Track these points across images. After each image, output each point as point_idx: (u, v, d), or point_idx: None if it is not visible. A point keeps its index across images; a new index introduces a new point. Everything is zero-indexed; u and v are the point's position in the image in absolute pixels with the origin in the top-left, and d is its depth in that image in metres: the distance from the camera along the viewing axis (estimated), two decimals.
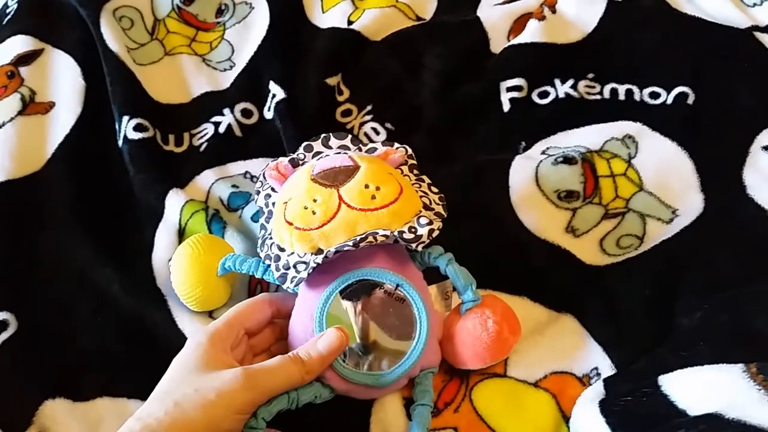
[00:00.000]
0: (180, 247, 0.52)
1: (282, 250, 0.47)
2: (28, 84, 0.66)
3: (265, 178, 0.52)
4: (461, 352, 0.46)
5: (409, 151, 0.54)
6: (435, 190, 0.52)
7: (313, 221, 0.46)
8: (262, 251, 0.49)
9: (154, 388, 0.47)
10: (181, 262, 0.51)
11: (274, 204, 0.50)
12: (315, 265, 0.44)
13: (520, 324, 0.47)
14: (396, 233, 0.45)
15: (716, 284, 0.49)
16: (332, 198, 0.46)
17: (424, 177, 0.53)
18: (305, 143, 0.54)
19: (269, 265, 0.48)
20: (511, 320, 0.47)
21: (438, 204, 0.50)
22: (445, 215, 0.49)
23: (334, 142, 0.54)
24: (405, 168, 0.53)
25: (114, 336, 0.51)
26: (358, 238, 0.44)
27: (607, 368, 0.48)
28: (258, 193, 0.53)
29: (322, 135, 0.54)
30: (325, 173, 0.47)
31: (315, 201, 0.46)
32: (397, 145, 0.54)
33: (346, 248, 0.44)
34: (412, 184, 0.51)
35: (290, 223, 0.47)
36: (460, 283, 0.47)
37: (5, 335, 0.51)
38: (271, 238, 0.48)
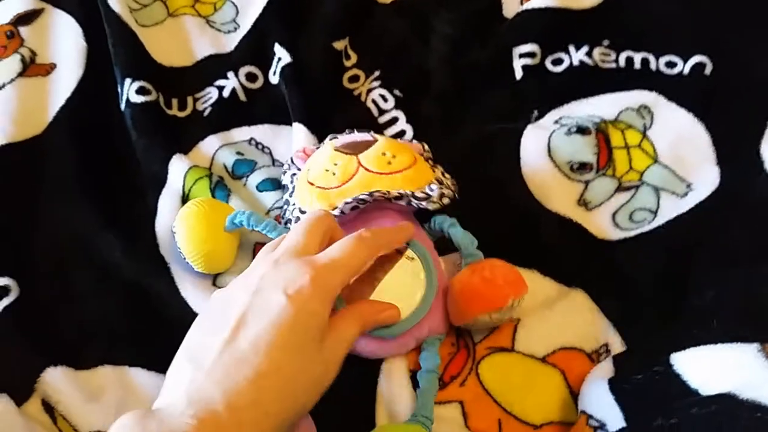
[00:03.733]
0: (184, 207, 0.52)
1: (303, 212, 0.49)
2: (28, 45, 0.64)
3: (293, 161, 0.55)
4: (455, 300, 0.46)
5: (426, 146, 0.55)
6: (448, 176, 0.53)
7: (333, 181, 0.49)
8: (282, 218, 0.51)
9: (155, 356, 0.47)
10: (186, 219, 0.50)
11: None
12: None
13: (525, 283, 0.46)
14: (408, 192, 0.47)
15: (731, 261, 0.48)
16: (351, 162, 0.50)
17: (439, 165, 0.53)
18: (330, 135, 0.55)
19: (287, 227, 0.50)
20: (509, 274, 0.46)
21: (451, 187, 0.51)
22: (457, 198, 0.50)
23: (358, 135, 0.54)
24: (422, 157, 0.53)
25: (116, 303, 0.51)
26: (373, 191, 0.47)
27: (618, 345, 0.47)
28: (285, 173, 0.55)
29: (346, 130, 0.55)
30: (347, 144, 0.51)
31: (335, 165, 0.50)
32: (414, 141, 0.56)
33: (361, 197, 0.47)
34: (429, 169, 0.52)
35: (312, 184, 0.50)
36: (461, 242, 0.48)
37: (6, 301, 0.50)
38: (293, 204, 0.50)
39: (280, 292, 0.35)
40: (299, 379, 0.34)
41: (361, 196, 0.47)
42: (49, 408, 0.46)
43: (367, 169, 0.49)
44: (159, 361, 0.46)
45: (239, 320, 0.34)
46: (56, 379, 0.47)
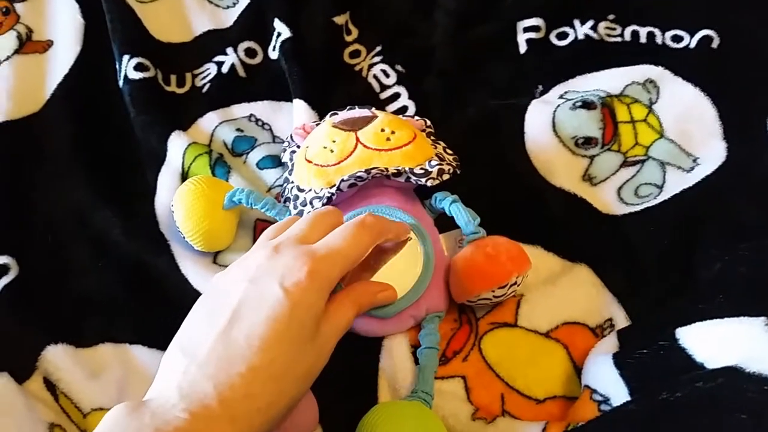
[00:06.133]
0: (182, 185, 0.51)
1: (301, 190, 0.48)
2: (24, 21, 0.64)
3: (292, 139, 0.54)
4: (458, 278, 0.45)
5: (428, 122, 0.54)
6: (450, 151, 0.52)
7: (330, 159, 0.48)
8: (282, 197, 0.51)
9: (156, 333, 0.47)
10: (185, 197, 0.50)
11: None
12: (329, 195, 0.46)
13: (529, 259, 0.45)
14: (407, 169, 0.47)
15: (737, 235, 0.47)
16: (349, 139, 0.49)
17: (441, 141, 0.53)
18: (331, 112, 0.54)
19: (286, 206, 0.49)
20: (512, 250, 0.45)
21: (452, 163, 0.50)
22: (458, 172, 0.49)
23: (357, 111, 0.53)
24: (423, 134, 0.53)
25: (116, 281, 0.50)
26: (370, 168, 0.47)
27: (622, 320, 0.46)
28: (284, 150, 0.54)
29: (347, 107, 0.54)
30: (345, 120, 0.50)
31: (334, 142, 0.49)
32: (417, 117, 0.55)
33: (358, 174, 0.46)
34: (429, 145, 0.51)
35: (310, 162, 0.49)
36: (462, 220, 0.47)
37: (6, 280, 0.50)
38: (292, 183, 0.50)
39: (277, 284, 0.34)
40: (291, 373, 0.34)
41: (359, 174, 0.46)
42: (50, 386, 0.46)
43: (365, 146, 0.48)
44: (160, 338, 0.46)
45: (234, 311, 0.34)
46: (57, 357, 0.46)
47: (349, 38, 0.64)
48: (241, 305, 0.34)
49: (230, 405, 0.31)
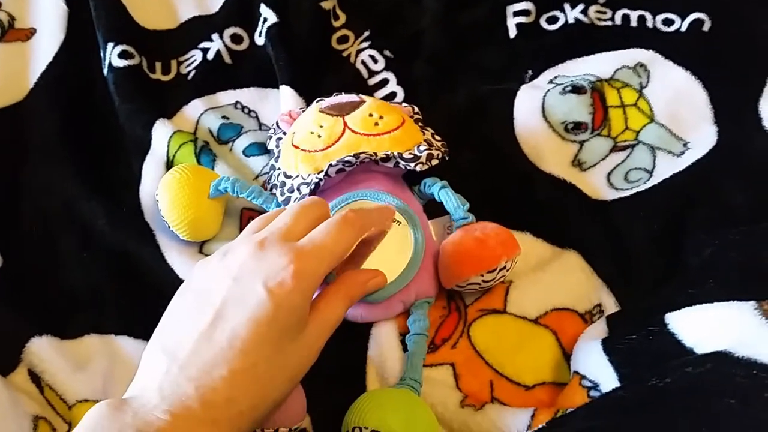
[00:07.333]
0: (167, 174, 0.50)
1: (288, 177, 0.48)
2: (6, 9, 0.63)
3: (278, 125, 0.54)
4: (447, 262, 0.45)
5: (416, 108, 0.54)
6: (438, 137, 0.51)
7: (318, 144, 0.48)
8: (268, 184, 0.50)
9: (142, 324, 0.46)
10: (169, 186, 0.49)
11: None
12: (317, 181, 0.46)
13: (518, 244, 0.45)
14: (396, 154, 0.46)
15: (727, 220, 0.47)
16: (337, 124, 0.48)
17: (429, 128, 0.52)
18: (317, 99, 0.53)
19: (272, 194, 0.49)
20: (501, 234, 0.45)
21: (441, 149, 0.49)
22: (447, 158, 0.49)
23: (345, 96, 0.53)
24: (411, 119, 0.52)
25: (101, 271, 0.50)
26: (359, 152, 0.46)
27: (612, 305, 0.46)
28: (270, 137, 0.54)
29: (334, 93, 0.53)
30: (332, 105, 0.50)
31: (321, 127, 0.48)
32: (404, 104, 0.55)
33: (347, 159, 0.45)
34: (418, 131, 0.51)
35: (297, 147, 0.48)
36: (451, 205, 0.47)
37: None
38: (278, 169, 0.49)
39: (260, 285, 0.33)
40: (274, 375, 0.33)
41: (347, 158, 0.46)
42: (35, 378, 0.45)
43: (353, 131, 0.48)
44: (145, 329, 0.44)
45: (217, 311, 0.33)
46: (42, 349, 0.46)
47: (336, 23, 0.63)
48: (223, 305, 0.33)
49: (212, 408, 0.31)
